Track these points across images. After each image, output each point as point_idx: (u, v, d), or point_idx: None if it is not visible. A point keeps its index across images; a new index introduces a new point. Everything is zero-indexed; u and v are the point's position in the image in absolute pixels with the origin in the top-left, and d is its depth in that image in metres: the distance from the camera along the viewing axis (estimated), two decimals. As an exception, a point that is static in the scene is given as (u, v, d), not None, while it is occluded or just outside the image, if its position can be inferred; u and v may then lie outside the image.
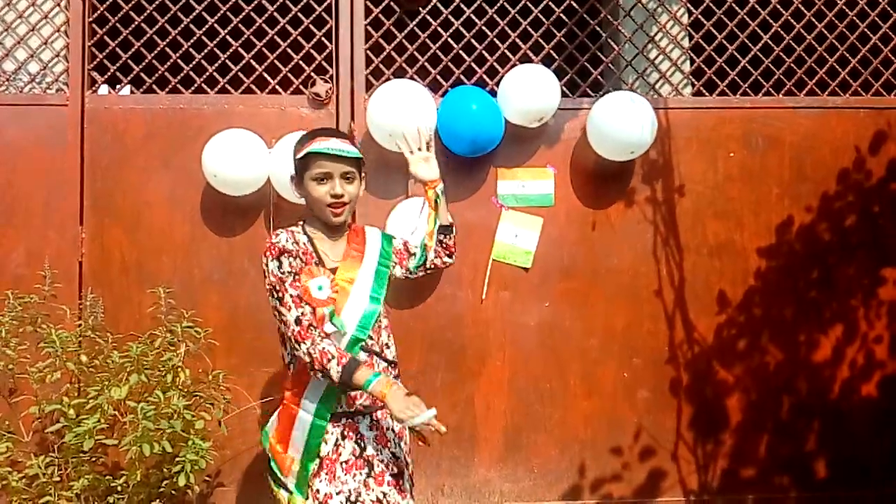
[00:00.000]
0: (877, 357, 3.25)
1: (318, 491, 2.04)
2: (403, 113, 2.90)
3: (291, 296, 2.01)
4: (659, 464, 3.17)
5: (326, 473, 2.05)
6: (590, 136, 3.09)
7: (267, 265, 2.04)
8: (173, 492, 2.64)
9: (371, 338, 2.12)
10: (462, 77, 3.30)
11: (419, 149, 2.39)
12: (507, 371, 3.16)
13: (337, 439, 2.07)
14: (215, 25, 3.25)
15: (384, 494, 2.06)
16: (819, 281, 3.26)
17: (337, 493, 2.03)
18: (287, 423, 2.10)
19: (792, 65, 3.38)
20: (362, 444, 2.09)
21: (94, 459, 2.67)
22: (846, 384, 3.23)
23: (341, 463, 2.06)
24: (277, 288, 2.02)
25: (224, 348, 2.99)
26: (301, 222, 2.19)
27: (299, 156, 2.12)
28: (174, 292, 2.80)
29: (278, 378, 3.07)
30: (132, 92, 3.41)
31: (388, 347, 2.18)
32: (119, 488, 2.59)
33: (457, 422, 3.10)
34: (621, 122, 2.98)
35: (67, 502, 2.57)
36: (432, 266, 2.40)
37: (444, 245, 2.40)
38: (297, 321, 2.00)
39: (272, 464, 2.14)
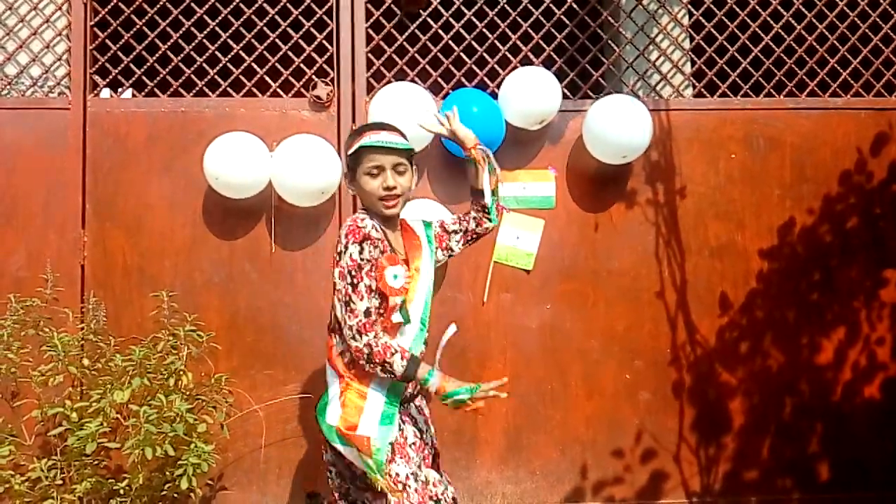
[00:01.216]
0: (879, 359, 3.25)
1: (397, 475, 2.04)
2: (405, 115, 2.90)
3: (366, 285, 2.00)
4: (661, 466, 3.17)
5: (401, 457, 2.06)
6: (585, 139, 3.10)
7: (346, 248, 2.00)
8: (175, 495, 2.65)
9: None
10: (463, 79, 3.30)
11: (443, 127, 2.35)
12: (509, 373, 3.16)
13: (400, 424, 2.11)
14: (216, 29, 3.26)
15: (433, 474, 2.15)
16: (821, 282, 3.25)
17: (412, 474, 2.06)
18: (356, 408, 2.05)
19: (793, 66, 3.38)
20: (418, 427, 2.18)
21: (96, 463, 2.67)
22: (848, 386, 3.23)
23: (410, 445, 2.10)
24: (353, 273, 1.99)
25: (225, 351, 3.00)
26: (364, 210, 2.17)
27: (351, 151, 2.13)
28: (175, 295, 2.81)
29: (280, 380, 3.07)
30: (134, 95, 3.42)
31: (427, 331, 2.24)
32: (121, 491, 2.60)
33: (458, 424, 3.10)
34: (616, 126, 2.98)
35: (70, 505, 2.58)
36: (474, 236, 2.37)
37: (495, 209, 2.35)
38: (367, 312, 1.99)
39: (345, 446, 2.05)
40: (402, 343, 2.09)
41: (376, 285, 2.02)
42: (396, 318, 2.06)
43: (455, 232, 2.34)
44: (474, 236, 2.37)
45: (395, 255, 2.09)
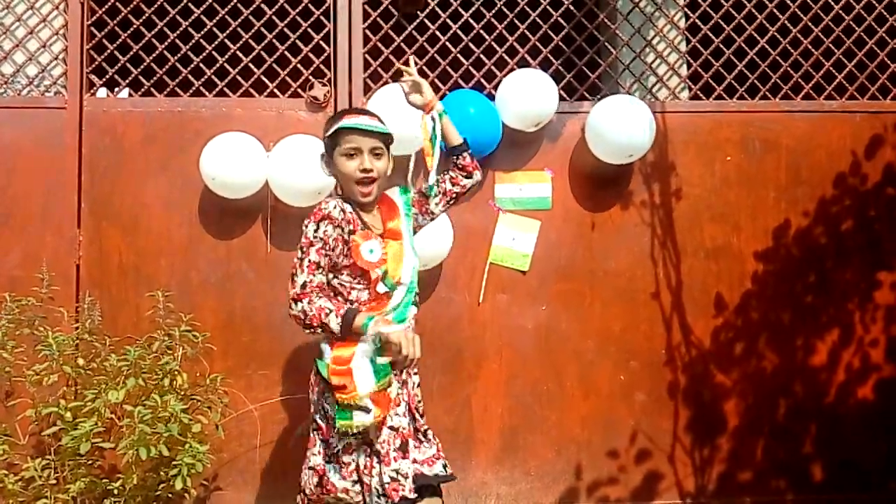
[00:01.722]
0: (873, 360, 3.26)
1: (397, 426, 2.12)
2: (401, 117, 2.90)
3: (311, 261, 2.05)
4: (656, 466, 3.18)
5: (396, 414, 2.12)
6: (588, 139, 3.10)
7: (306, 226, 2.08)
8: (170, 495, 2.64)
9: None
10: (460, 81, 3.31)
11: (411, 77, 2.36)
12: (505, 373, 3.17)
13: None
14: (213, 29, 3.26)
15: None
16: (815, 284, 3.27)
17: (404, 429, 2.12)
18: (346, 356, 2.07)
19: (788, 69, 3.39)
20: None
21: (90, 463, 2.67)
22: (842, 388, 3.24)
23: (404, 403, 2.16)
24: (304, 249, 2.07)
25: (221, 351, 3.00)
26: (338, 193, 2.22)
27: (329, 132, 2.17)
28: (171, 294, 2.80)
29: (276, 380, 3.07)
30: (130, 95, 3.42)
31: (415, 305, 2.26)
32: (116, 491, 2.59)
33: (453, 424, 3.11)
34: (620, 126, 3.00)
35: (64, 505, 2.57)
36: (453, 196, 2.36)
37: (460, 167, 2.34)
38: (303, 285, 2.04)
39: (326, 389, 2.09)
40: (388, 305, 2.12)
41: (339, 259, 2.08)
42: (381, 287, 2.11)
43: (434, 195, 2.35)
44: (454, 196, 2.36)
45: (370, 231, 2.14)
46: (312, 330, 2.05)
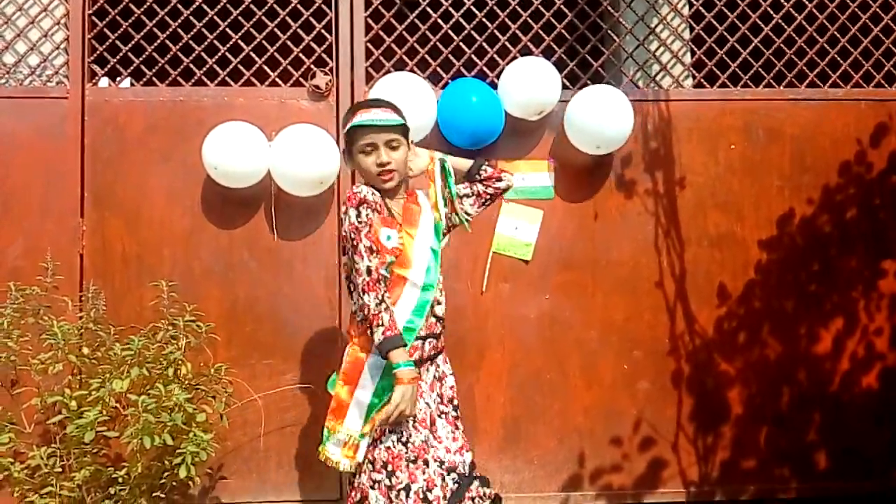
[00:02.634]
0: (877, 349, 3.25)
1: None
2: (404, 105, 2.89)
3: (365, 246, 2.11)
4: (659, 455, 3.18)
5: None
6: (566, 129, 3.10)
7: (347, 213, 2.15)
8: (174, 484, 2.65)
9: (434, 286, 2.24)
10: (462, 69, 3.29)
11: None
12: (507, 363, 3.17)
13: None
14: (215, 18, 3.25)
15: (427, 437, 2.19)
16: (819, 273, 3.26)
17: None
18: (356, 366, 2.18)
19: (793, 56, 3.37)
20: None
21: (95, 451, 2.68)
22: (846, 376, 3.24)
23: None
24: (353, 236, 2.13)
25: (224, 340, 3.00)
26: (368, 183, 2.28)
27: (344, 131, 2.24)
28: (174, 284, 2.81)
29: (279, 369, 3.08)
30: (132, 85, 3.41)
31: (440, 303, 2.28)
32: (120, 480, 2.60)
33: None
34: (591, 117, 2.99)
35: (69, 493, 2.58)
36: (486, 197, 2.42)
37: (488, 177, 2.40)
38: (368, 271, 2.10)
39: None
40: (404, 308, 2.15)
41: (374, 244, 2.14)
42: (384, 272, 2.15)
43: (467, 196, 2.39)
44: (488, 197, 2.42)
45: (392, 219, 2.20)
46: (366, 324, 2.12)
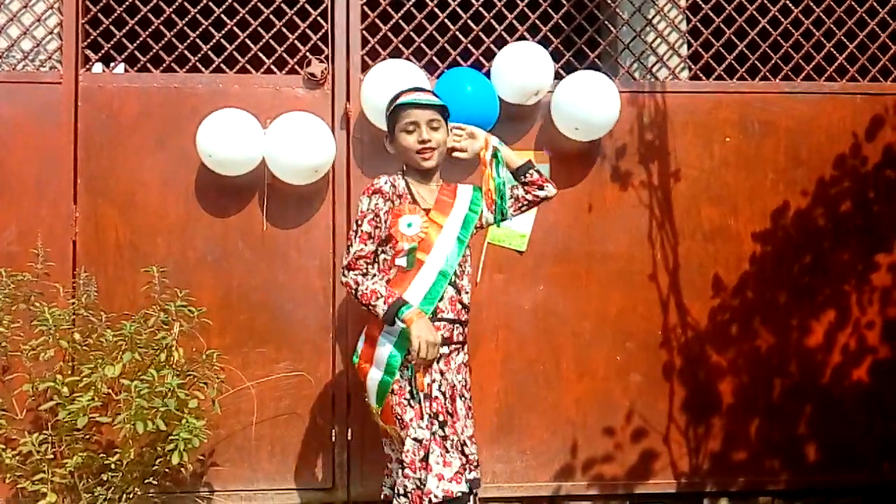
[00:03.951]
0: (868, 342, 3.26)
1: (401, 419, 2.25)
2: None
3: (364, 231, 2.25)
4: (650, 446, 3.19)
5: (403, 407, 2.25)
6: (553, 116, 3.11)
7: (360, 201, 2.29)
8: (167, 470, 2.66)
9: (456, 274, 2.31)
10: (458, 58, 3.28)
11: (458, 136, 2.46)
12: (501, 353, 3.17)
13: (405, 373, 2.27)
14: (210, 4, 3.22)
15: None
16: (813, 266, 3.27)
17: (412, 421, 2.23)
18: (370, 345, 2.31)
19: (789, 49, 3.37)
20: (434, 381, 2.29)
21: (87, 437, 2.68)
22: (838, 369, 3.25)
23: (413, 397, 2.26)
24: (358, 221, 2.26)
25: (218, 328, 3.00)
26: (402, 170, 2.39)
27: (389, 111, 2.35)
28: (168, 272, 2.80)
29: (272, 358, 3.08)
30: (126, 70, 3.39)
31: (467, 292, 2.37)
32: (113, 466, 2.60)
33: (450, 403, 3.11)
34: (576, 102, 3.00)
35: (61, 480, 2.58)
36: (525, 203, 2.47)
37: (532, 182, 2.44)
38: (356, 254, 2.24)
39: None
40: (416, 292, 2.22)
41: (384, 231, 2.25)
42: (400, 261, 2.25)
43: (509, 197, 2.43)
44: (526, 202, 2.46)
45: (417, 206, 2.29)
46: (359, 303, 2.25)
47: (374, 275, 2.26)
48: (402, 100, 2.32)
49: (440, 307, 2.27)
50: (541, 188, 2.45)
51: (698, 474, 3.20)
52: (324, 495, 3.09)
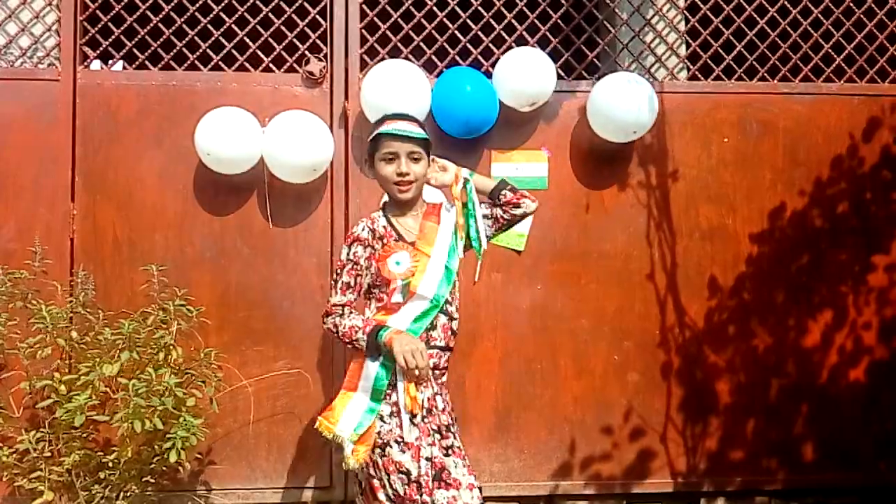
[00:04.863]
0: (865, 343, 3.28)
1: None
2: (398, 93, 2.89)
3: (344, 282, 2.22)
4: (648, 446, 3.20)
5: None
6: (590, 117, 3.08)
7: (342, 249, 2.25)
8: (164, 468, 2.66)
9: (447, 301, 2.27)
10: (457, 58, 3.28)
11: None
12: (499, 352, 3.17)
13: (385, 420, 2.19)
14: (209, 2, 3.22)
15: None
16: (810, 266, 3.28)
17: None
18: (356, 371, 2.22)
19: (787, 50, 3.38)
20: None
21: (85, 435, 2.67)
22: (835, 369, 3.26)
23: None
24: (338, 271, 2.24)
25: (216, 326, 2.99)
26: (382, 206, 2.36)
27: (370, 138, 2.28)
28: (166, 270, 2.79)
29: (270, 356, 3.07)
30: (124, 68, 3.38)
31: (456, 318, 2.33)
32: (110, 464, 2.60)
33: (448, 402, 3.11)
34: (623, 103, 2.98)
35: (58, 478, 2.58)
36: (504, 222, 2.38)
37: (506, 202, 2.34)
38: (334, 304, 2.22)
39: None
40: (402, 319, 2.18)
41: (368, 278, 2.23)
42: (397, 298, 2.19)
43: (486, 217, 2.37)
44: (504, 222, 2.38)
45: (402, 241, 2.23)
46: (345, 344, 2.23)
47: (351, 312, 2.21)
48: (383, 129, 2.23)
49: (433, 335, 2.23)
50: (517, 206, 2.34)
51: (695, 474, 3.21)
52: (321, 494, 3.09)
